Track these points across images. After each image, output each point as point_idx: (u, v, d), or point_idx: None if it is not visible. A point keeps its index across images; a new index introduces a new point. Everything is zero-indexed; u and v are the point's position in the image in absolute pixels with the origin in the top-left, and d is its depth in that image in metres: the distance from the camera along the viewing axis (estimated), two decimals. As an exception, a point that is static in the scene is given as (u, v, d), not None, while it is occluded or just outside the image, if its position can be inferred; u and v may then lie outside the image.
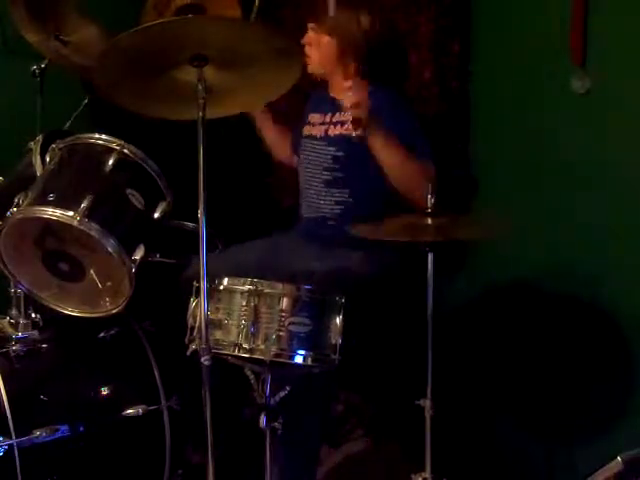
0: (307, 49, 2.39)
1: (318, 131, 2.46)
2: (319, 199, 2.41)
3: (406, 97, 2.47)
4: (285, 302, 1.81)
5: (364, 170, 2.27)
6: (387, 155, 2.16)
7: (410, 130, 2.30)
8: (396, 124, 2.26)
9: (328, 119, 2.44)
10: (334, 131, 2.40)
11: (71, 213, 1.98)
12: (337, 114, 2.40)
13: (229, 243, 2.45)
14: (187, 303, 1.88)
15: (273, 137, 2.73)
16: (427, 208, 2.01)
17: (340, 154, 2.35)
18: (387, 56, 2.45)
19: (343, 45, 2.38)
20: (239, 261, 2.29)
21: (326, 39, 2.38)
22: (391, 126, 2.20)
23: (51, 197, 2.03)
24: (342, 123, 2.38)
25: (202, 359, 1.73)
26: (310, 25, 2.39)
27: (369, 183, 2.30)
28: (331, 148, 2.39)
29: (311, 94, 2.62)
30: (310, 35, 2.40)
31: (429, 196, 2.00)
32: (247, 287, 1.81)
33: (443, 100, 2.56)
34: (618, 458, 1.55)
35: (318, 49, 2.39)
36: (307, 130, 2.52)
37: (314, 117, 2.51)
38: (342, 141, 2.35)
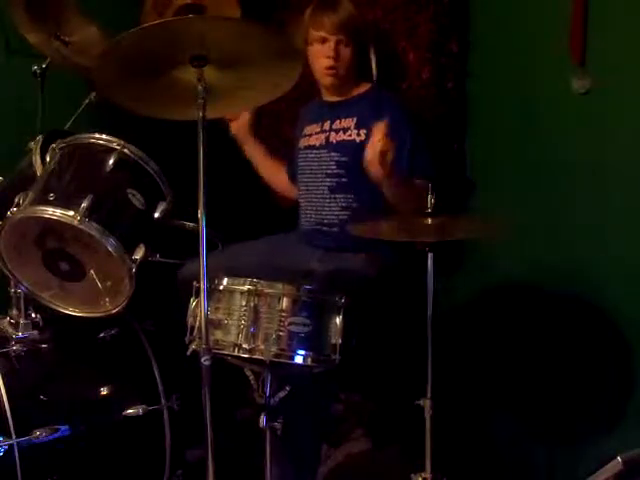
0: (331, 62, 2.36)
1: (317, 140, 2.45)
2: (323, 207, 2.41)
3: (406, 100, 2.47)
4: (285, 302, 1.81)
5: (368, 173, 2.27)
6: (387, 188, 2.21)
7: (412, 136, 2.30)
8: (398, 128, 2.26)
9: (327, 127, 2.44)
10: (336, 137, 2.40)
11: (71, 213, 1.98)
12: (337, 121, 2.41)
13: (229, 243, 2.45)
14: (186, 303, 1.88)
15: (268, 170, 2.71)
16: (427, 208, 2.01)
17: (344, 159, 2.35)
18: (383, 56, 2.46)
19: (358, 49, 2.39)
20: (239, 261, 2.29)
21: (350, 47, 2.38)
22: (392, 129, 2.19)
23: (51, 197, 2.03)
24: (344, 130, 2.39)
25: (202, 359, 1.74)
26: (338, 38, 2.35)
27: (373, 185, 2.30)
28: (334, 154, 2.39)
29: (300, 110, 2.63)
30: (340, 49, 2.36)
31: (429, 196, 2.01)
32: (247, 287, 1.81)
33: (441, 100, 2.55)
34: (618, 458, 1.56)
35: (344, 58, 2.38)
36: (304, 142, 2.51)
37: (309, 129, 2.51)
38: (346, 146, 2.36)
